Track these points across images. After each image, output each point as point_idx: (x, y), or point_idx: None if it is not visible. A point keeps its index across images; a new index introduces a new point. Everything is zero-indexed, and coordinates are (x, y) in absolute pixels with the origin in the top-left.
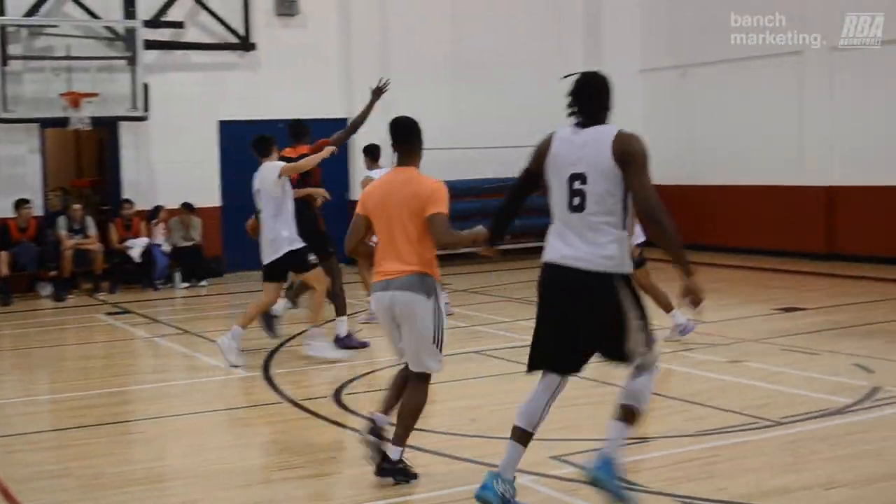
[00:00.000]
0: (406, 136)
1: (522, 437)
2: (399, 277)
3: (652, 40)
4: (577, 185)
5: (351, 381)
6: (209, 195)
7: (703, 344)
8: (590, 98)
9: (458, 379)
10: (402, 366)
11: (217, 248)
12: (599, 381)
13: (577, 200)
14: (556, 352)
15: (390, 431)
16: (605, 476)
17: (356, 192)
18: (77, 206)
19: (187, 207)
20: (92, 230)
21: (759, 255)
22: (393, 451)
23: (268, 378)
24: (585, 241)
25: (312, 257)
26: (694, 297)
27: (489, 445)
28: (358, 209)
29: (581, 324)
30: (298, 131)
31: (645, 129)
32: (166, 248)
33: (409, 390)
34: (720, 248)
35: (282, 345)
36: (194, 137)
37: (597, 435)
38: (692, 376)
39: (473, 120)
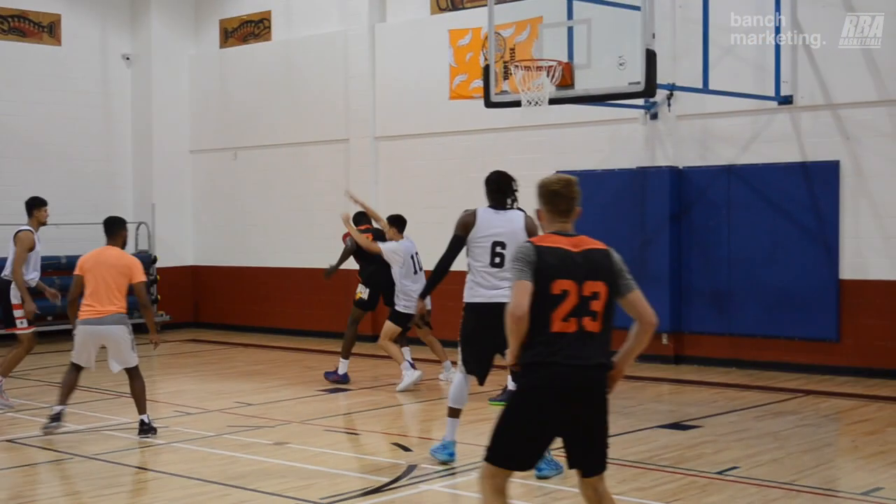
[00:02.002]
0: None
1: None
2: None
3: (203, 123)
4: (498, 249)
5: None
6: None
7: (247, 426)
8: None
9: None
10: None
11: None
12: None
13: (497, 260)
14: (482, 364)
15: None
16: None
17: None
18: None
19: None
20: None
21: (306, 336)
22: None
23: None
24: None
25: None
26: None
27: None
28: None
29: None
30: None
31: (194, 208)
32: None
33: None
34: (269, 329)
35: None
36: None
37: None
38: (236, 459)
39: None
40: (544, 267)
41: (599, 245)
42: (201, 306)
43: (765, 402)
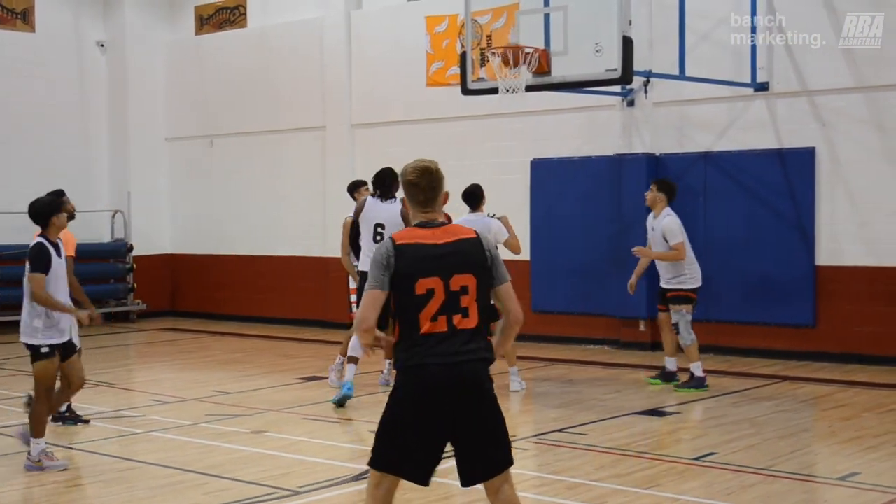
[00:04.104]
0: None
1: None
2: None
3: (179, 111)
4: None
5: None
6: None
7: (225, 415)
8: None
9: None
10: None
11: None
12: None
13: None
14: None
15: None
16: None
17: None
18: None
19: None
20: None
21: (284, 324)
22: None
23: None
24: None
25: None
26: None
27: None
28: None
29: None
30: None
31: (171, 195)
32: None
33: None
34: (247, 317)
35: None
36: None
37: None
38: (213, 448)
39: None
40: (405, 267)
41: (469, 233)
42: (178, 295)
43: (742, 388)
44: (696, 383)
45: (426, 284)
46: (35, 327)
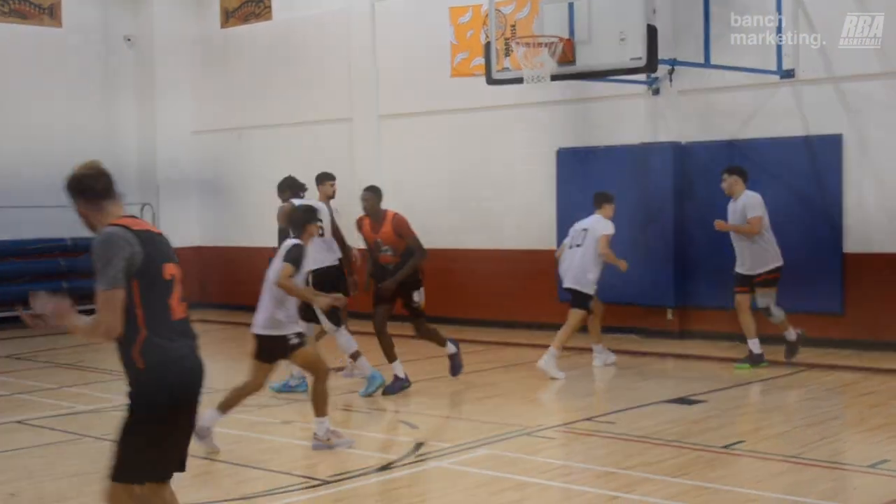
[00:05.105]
0: None
1: None
2: None
3: (205, 104)
4: None
5: None
6: None
7: (254, 405)
8: None
9: None
10: None
11: None
12: None
13: None
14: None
15: None
16: None
17: None
18: None
19: None
20: None
21: None
22: None
23: None
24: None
25: None
26: None
27: None
28: None
29: None
30: None
31: (199, 188)
32: None
33: None
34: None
35: None
36: None
37: None
38: (243, 438)
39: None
40: (151, 251)
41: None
42: (207, 287)
43: (770, 377)
44: (795, 347)
45: (170, 269)
46: (279, 320)
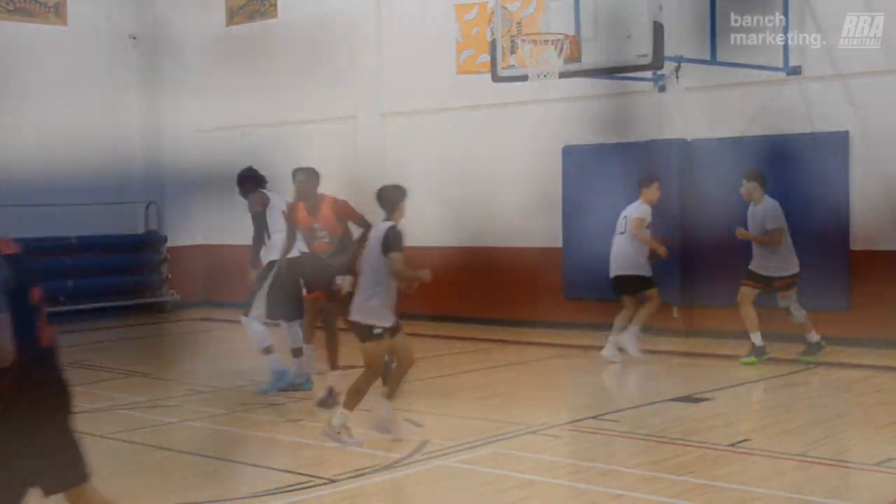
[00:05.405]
0: None
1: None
2: None
3: (210, 102)
4: None
5: None
6: None
7: (260, 404)
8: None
9: None
10: None
11: None
12: None
13: None
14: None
15: None
16: None
17: None
18: None
19: None
20: None
21: None
22: None
23: None
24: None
25: None
26: None
27: None
28: None
29: None
30: None
31: (203, 187)
32: None
33: None
34: None
35: None
36: None
37: None
38: (249, 437)
39: None
40: (19, 273)
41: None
42: (212, 285)
43: (775, 374)
44: (815, 349)
45: (37, 292)
46: (373, 306)
